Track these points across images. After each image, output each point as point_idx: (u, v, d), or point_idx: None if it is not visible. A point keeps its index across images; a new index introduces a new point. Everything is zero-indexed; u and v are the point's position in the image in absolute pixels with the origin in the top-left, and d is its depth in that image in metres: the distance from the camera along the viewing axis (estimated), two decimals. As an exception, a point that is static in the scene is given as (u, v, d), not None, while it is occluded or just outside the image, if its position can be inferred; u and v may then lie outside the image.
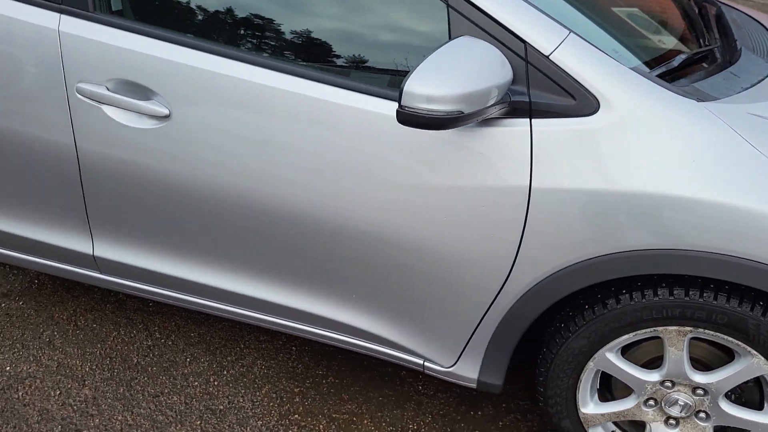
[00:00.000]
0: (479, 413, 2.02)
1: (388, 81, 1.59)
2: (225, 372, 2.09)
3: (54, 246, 1.96)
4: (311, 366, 2.15)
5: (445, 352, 1.75)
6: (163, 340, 2.20)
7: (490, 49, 1.37)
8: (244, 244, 1.75)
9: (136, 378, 2.04)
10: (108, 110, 1.68)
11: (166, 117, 1.64)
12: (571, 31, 1.44)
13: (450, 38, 1.46)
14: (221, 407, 1.97)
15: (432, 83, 1.28)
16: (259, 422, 1.93)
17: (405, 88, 1.29)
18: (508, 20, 1.43)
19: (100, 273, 2.00)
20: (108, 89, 1.66)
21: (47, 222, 1.93)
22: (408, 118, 1.31)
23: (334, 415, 1.97)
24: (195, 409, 1.95)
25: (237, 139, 1.62)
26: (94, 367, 2.08)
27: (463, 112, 1.30)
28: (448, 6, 1.47)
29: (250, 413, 1.95)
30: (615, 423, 1.73)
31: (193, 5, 1.71)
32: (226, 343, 2.21)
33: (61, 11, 1.69)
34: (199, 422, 1.91)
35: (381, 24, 1.62)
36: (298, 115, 1.57)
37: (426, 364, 1.79)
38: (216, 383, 2.05)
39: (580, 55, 1.43)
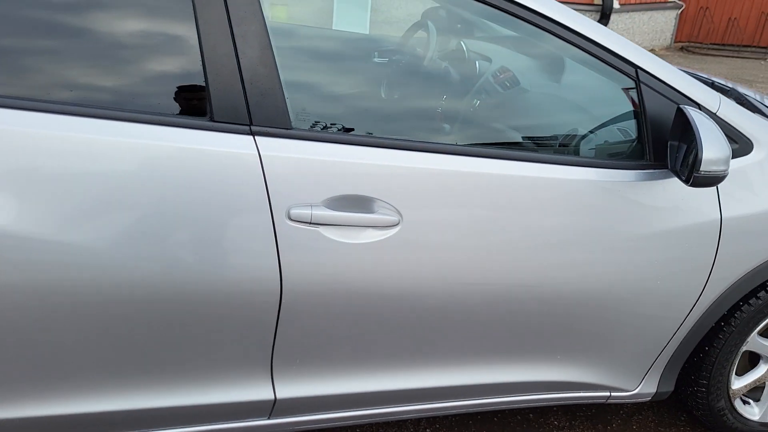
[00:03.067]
0: (615, 423, 2.27)
1: (595, 152, 1.76)
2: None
3: (225, 404, 1.64)
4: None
5: (630, 379, 1.97)
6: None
7: (709, 118, 1.66)
8: (464, 337, 1.73)
9: None
10: (325, 231, 1.52)
11: (395, 225, 1.55)
12: (720, 94, 1.82)
13: (644, 109, 1.71)
14: None
15: (716, 150, 1.53)
16: None
17: (703, 157, 1.51)
18: (688, 90, 1.74)
19: (269, 418, 1.73)
20: (327, 208, 1.51)
21: (219, 379, 1.61)
22: (703, 180, 1.54)
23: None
24: None
25: (473, 235, 1.61)
26: None
27: (727, 171, 1.58)
28: (639, 82, 1.71)
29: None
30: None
31: (400, 108, 1.64)
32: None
33: (255, 133, 1.47)
34: None
35: (578, 107, 1.79)
36: (539, 197, 1.64)
37: (612, 394, 1.99)
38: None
39: (733, 111, 1.81)
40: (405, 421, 2.19)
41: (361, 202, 1.53)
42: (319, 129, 1.54)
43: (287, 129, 1.49)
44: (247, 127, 1.47)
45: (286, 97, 1.49)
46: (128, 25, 1.45)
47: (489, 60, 2.04)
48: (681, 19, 11.60)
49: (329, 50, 2.00)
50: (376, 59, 2.11)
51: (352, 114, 1.69)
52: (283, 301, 1.55)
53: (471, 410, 1.90)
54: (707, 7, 11.50)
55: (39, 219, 1.35)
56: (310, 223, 1.50)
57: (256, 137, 1.47)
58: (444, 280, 1.63)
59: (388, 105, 1.73)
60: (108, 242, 1.39)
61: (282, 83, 1.49)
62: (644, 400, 2.03)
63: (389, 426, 2.18)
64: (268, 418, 1.73)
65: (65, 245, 1.37)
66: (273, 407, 1.70)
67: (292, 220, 1.49)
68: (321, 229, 1.52)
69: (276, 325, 1.58)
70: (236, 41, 1.45)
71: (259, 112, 1.47)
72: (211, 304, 1.50)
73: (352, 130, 1.60)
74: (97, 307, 1.43)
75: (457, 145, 1.67)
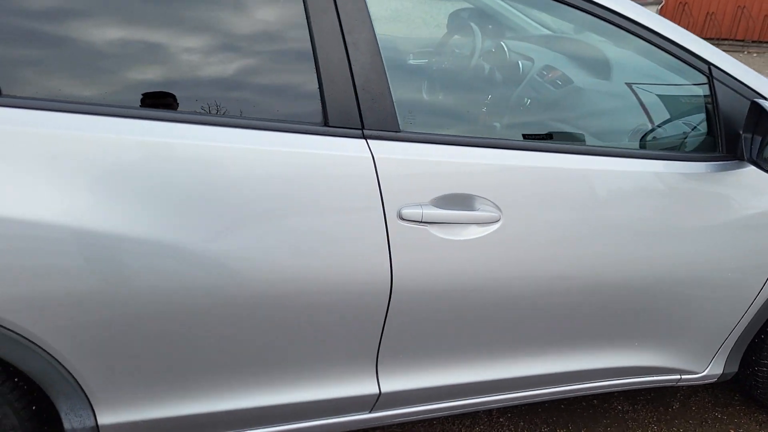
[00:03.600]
0: (675, 406, 2.37)
1: (669, 146, 1.85)
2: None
3: (331, 400, 1.69)
4: (540, 427, 2.22)
5: (700, 362, 2.06)
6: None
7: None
8: (557, 327, 1.80)
9: None
10: (432, 229, 1.57)
11: (496, 221, 1.62)
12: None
13: (716, 104, 1.80)
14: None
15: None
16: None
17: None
18: (756, 85, 1.83)
19: (370, 412, 1.78)
20: (434, 207, 1.56)
21: (327, 375, 1.66)
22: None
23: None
24: None
25: (568, 229, 1.68)
26: None
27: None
28: (711, 78, 1.80)
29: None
30: None
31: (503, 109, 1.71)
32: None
33: (367, 137, 1.52)
34: None
35: (650, 102, 1.87)
36: (623, 190, 1.72)
37: (682, 377, 2.08)
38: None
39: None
40: (478, 412, 2.26)
41: (464, 200, 1.59)
42: (424, 131, 1.60)
43: (396, 132, 1.55)
44: (359, 131, 1.52)
45: (394, 101, 1.55)
46: (244, 34, 1.49)
47: (564, 62, 2.12)
48: (661, 14, 11.86)
49: (428, 55, 2.06)
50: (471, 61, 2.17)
51: (452, 115, 1.75)
52: (392, 298, 1.60)
53: (555, 397, 1.97)
54: (686, 3, 11.78)
55: (169, 226, 1.38)
56: (421, 222, 1.56)
57: (368, 141, 1.53)
58: (541, 273, 1.70)
59: (484, 106, 1.79)
60: (233, 246, 1.43)
61: (390, 88, 1.54)
62: (711, 381, 2.12)
63: (465, 417, 2.24)
64: (369, 412, 1.79)
65: (187, 251, 1.41)
66: (376, 401, 1.75)
67: (403, 219, 1.55)
68: (429, 228, 1.58)
69: (384, 321, 1.63)
70: (348, 49, 1.51)
71: (370, 116, 1.53)
72: (325, 303, 1.55)
73: (453, 130, 1.66)
74: (221, 309, 1.47)
75: (551, 142, 1.74)
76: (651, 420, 2.30)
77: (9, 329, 1.35)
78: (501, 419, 2.26)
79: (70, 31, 1.37)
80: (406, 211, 1.54)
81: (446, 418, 2.21)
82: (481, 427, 2.21)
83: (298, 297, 1.53)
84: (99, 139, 1.34)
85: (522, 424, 2.25)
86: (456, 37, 2.39)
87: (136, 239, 1.36)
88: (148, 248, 1.37)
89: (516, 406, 2.30)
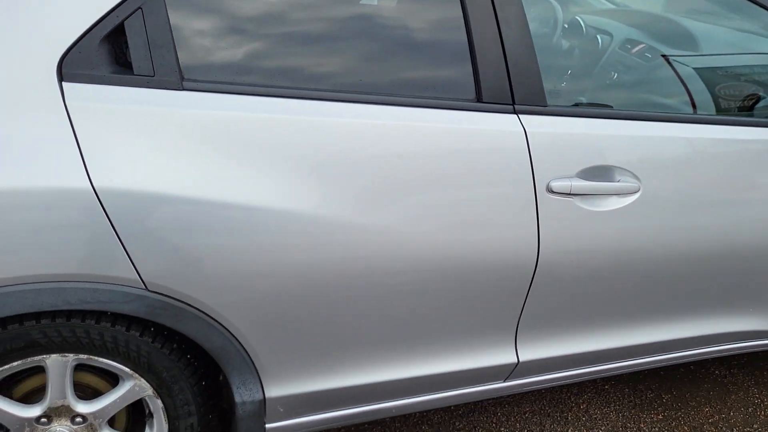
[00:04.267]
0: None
1: None
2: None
3: (468, 370, 1.74)
4: (644, 393, 2.29)
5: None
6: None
7: None
8: (685, 292, 1.85)
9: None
10: (577, 201, 1.61)
11: (635, 192, 1.65)
12: None
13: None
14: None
15: None
16: None
17: None
18: None
19: (504, 381, 1.84)
20: (580, 179, 1.60)
21: (469, 346, 1.71)
22: None
23: (700, 421, 2.17)
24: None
25: (701, 196, 1.72)
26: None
27: None
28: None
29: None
30: None
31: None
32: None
33: (518, 112, 1.55)
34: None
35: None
36: (754, 157, 1.76)
37: (788, 340, 2.14)
38: None
39: None
40: (587, 381, 2.31)
41: (605, 172, 1.63)
42: (567, 105, 1.63)
43: (544, 106, 1.58)
44: (511, 107, 1.55)
45: (541, 75, 1.58)
46: (401, 16, 1.52)
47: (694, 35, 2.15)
48: None
49: (566, 30, 2.08)
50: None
51: (591, 88, 1.78)
52: (537, 270, 1.64)
53: (668, 363, 2.02)
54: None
55: (343, 202, 1.42)
56: (569, 194, 1.59)
57: (519, 116, 1.56)
58: (677, 241, 1.74)
59: (617, 79, 1.82)
60: (393, 221, 1.47)
61: (538, 63, 1.57)
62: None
63: (572, 386, 2.30)
64: (503, 381, 1.84)
65: (360, 225, 1.44)
66: (512, 371, 1.80)
67: (552, 192, 1.58)
68: (575, 200, 1.61)
69: (527, 292, 1.68)
70: (500, 25, 1.53)
71: (520, 91, 1.56)
72: (473, 277, 1.59)
73: (594, 103, 1.70)
74: (381, 283, 1.51)
75: (687, 114, 1.78)
76: (750, 383, 2.36)
77: (199, 309, 1.39)
78: (606, 386, 2.32)
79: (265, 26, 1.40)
80: (555, 184, 1.58)
81: (555, 387, 2.27)
82: (589, 394, 2.27)
83: (451, 271, 1.56)
84: (287, 120, 1.37)
85: (627, 390, 2.30)
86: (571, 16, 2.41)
87: (314, 217, 1.40)
88: (324, 226, 1.41)
89: (625, 375, 2.35)
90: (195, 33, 1.36)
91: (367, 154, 1.43)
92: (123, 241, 1.29)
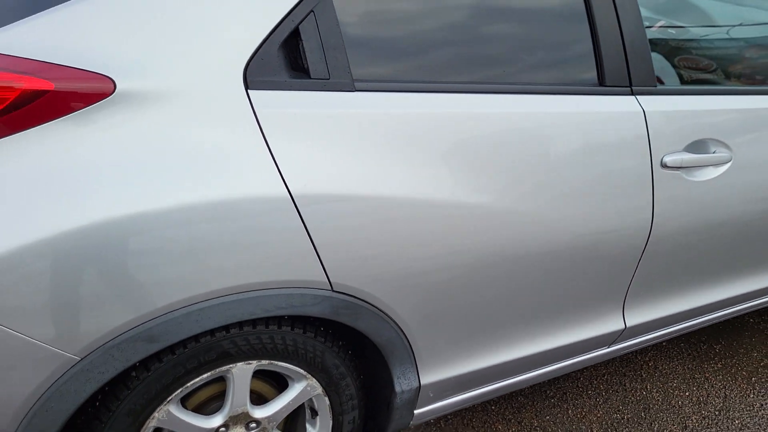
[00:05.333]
0: None
1: None
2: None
3: (583, 341, 1.84)
4: (698, 345, 2.48)
5: None
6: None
7: None
8: (762, 248, 2.03)
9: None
10: (683, 173, 1.74)
11: (728, 161, 1.80)
12: None
13: None
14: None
15: None
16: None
17: None
18: None
19: (609, 347, 1.96)
20: (687, 153, 1.72)
21: (582, 319, 1.81)
22: None
23: (754, 366, 2.39)
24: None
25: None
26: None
27: None
28: None
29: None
30: None
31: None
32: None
33: (635, 93, 1.65)
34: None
35: None
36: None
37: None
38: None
39: None
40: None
41: (704, 145, 1.76)
42: (674, 86, 1.75)
43: (654, 86, 1.69)
44: (628, 88, 1.65)
45: (651, 57, 1.68)
46: (527, 8, 1.57)
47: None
48: None
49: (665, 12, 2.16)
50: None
51: (689, 66, 1.89)
52: (649, 240, 1.76)
53: (734, 315, 2.21)
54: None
55: (499, 190, 1.48)
56: (679, 168, 1.71)
57: (637, 97, 1.66)
58: (764, 203, 1.90)
59: (714, 54, 1.94)
60: (544, 204, 1.54)
61: (649, 45, 1.67)
62: None
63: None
64: (609, 347, 1.96)
65: (514, 212, 1.51)
66: (619, 336, 1.92)
67: (665, 166, 1.70)
68: (681, 173, 1.74)
69: (639, 261, 1.79)
70: (618, 10, 1.62)
71: (635, 73, 1.66)
72: (597, 252, 1.69)
73: (695, 80, 1.82)
74: (523, 264, 1.59)
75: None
76: (785, 328, 2.61)
77: (373, 305, 1.42)
78: (663, 343, 2.49)
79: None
80: (668, 159, 1.69)
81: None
82: (652, 352, 2.44)
83: (581, 250, 1.66)
84: (439, 114, 1.40)
85: (682, 345, 2.49)
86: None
87: (476, 206, 1.45)
88: (484, 214, 1.46)
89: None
90: (359, 33, 1.37)
91: (518, 143, 1.49)
92: (315, 244, 1.30)
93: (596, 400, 2.20)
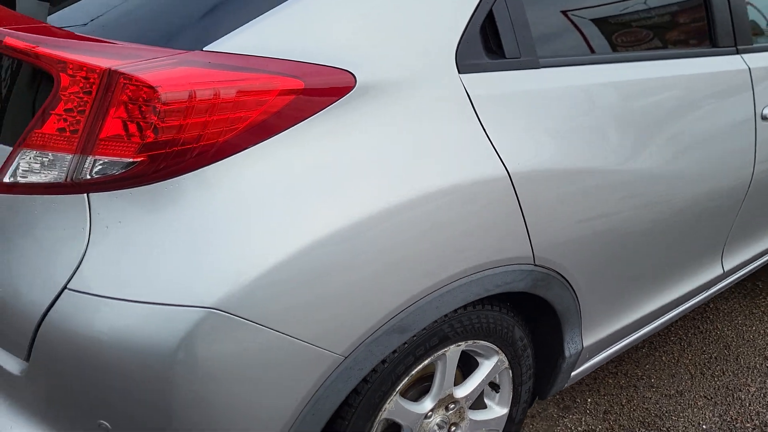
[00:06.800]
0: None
1: None
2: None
3: (691, 290, 1.97)
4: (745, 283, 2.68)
5: None
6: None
7: None
8: None
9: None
10: (777, 123, 1.89)
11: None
12: None
13: None
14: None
15: None
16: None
17: None
18: None
19: (707, 291, 2.10)
20: (779, 104, 1.87)
21: (691, 270, 1.94)
22: None
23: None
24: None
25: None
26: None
27: None
28: None
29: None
30: None
31: None
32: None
33: (739, 52, 1.77)
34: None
35: None
36: None
37: None
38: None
39: None
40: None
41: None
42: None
43: (750, 45, 1.82)
44: (734, 48, 1.77)
45: (748, 17, 1.81)
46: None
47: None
48: None
49: None
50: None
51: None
52: (750, 186, 1.91)
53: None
54: None
55: (658, 154, 1.56)
56: (773, 119, 1.87)
57: (742, 55, 1.78)
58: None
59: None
60: (687, 165, 1.64)
61: (746, 7, 1.80)
62: None
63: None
64: (707, 291, 2.10)
65: (670, 173, 1.60)
66: (717, 280, 2.07)
67: (764, 118, 1.84)
68: (776, 122, 1.89)
69: (740, 207, 1.94)
70: (722, -23, 1.73)
71: (738, 34, 1.78)
72: (709, 204, 1.81)
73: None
74: (679, 217, 1.69)
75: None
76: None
77: (560, 274, 1.47)
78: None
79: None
80: (765, 111, 1.84)
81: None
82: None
83: (703, 203, 1.77)
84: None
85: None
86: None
87: (645, 171, 1.53)
88: (650, 179, 1.54)
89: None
90: (536, 12, 1.40)
91: (669, 107, 1.58)
92: (526, 221, 1.33)
93: (681, 345, 2.35)
